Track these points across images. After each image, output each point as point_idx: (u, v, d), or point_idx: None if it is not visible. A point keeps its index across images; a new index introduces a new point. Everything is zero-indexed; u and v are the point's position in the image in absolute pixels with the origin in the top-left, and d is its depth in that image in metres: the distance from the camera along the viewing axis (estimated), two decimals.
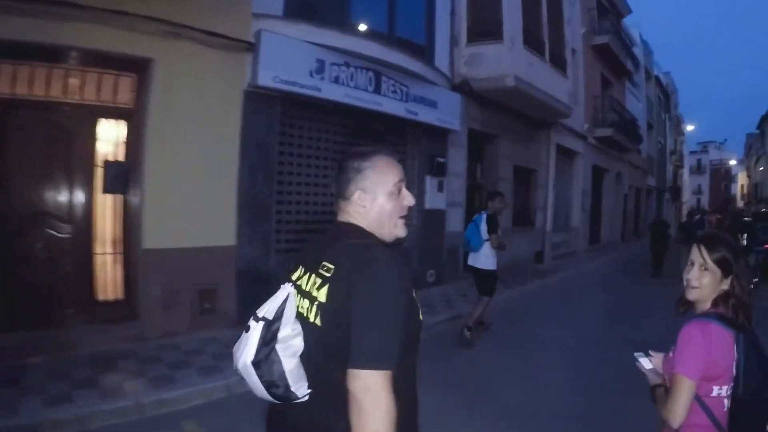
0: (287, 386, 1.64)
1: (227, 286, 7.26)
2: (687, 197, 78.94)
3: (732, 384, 2.08)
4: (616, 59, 23.07)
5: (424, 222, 10.68)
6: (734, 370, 2.07)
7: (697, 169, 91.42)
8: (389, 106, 9.25)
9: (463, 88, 11.51)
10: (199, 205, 6.88)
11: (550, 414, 5.10)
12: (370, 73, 8.89)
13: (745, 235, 15.41)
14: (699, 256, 2.16)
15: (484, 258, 7.48)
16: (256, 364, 1.63)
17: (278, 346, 1.64)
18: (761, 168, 53.69)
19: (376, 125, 9.65)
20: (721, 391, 2.06)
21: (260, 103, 7.57)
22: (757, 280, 13.46)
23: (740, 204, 69.90)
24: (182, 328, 6.76)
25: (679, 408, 2.02)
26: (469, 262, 7.76)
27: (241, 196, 7.37)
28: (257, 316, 1.69)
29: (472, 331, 7.37)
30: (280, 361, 1.64)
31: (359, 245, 1.70)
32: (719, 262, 2.12)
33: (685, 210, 54.34)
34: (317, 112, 8.66)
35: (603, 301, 11.51)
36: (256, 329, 1.65)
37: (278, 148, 8.10)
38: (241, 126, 7.34)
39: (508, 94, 11.97)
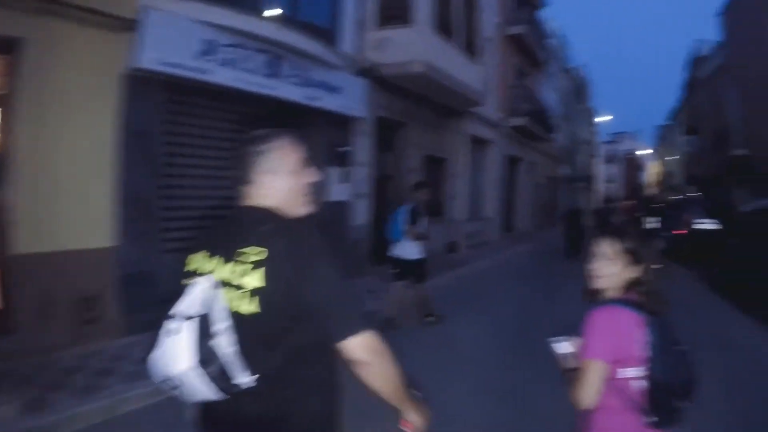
0: (231, 378, 1.63)
1: (111, 292, 6.53)
2: (601, 186, 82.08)
3: (644, 366, 2.10)
4: (530, 50, 23.36)
5: (326, 214, 10.04)
6: (646, 353, 2.09)
7: (610, 159, 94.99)
8: (287, 91, 8.68)
9: (370, 73, 11.06)
10: (76, 203, 6.14)
11: (461, 415, 4.90)
12: (267, 56, 8.26)
13: (655, 219, 16.48)
14: (606, 247, 2.28)
15: (410, 248, 7.66)
16: (202, 362, 1.58)
17: (216, 339, 1.61)
18: (670, 158, 56.99)
19: (274, 112, 8.95)
20: (631, 373, 2.12)
21: (142, 88, 6.72)
22: (662, 266, 14.48)
23: (652, 191, 73.73)
24: (63, 341, 5.98)
25: (588, 390, 2.11)
26: (392, 253, 7.86)
27: (122, 191, 6.56)
28: (181, 315, 1.63)
29: (434, 315, 8.02)
30: (222, 354, 1.61)
31: (288, 225, 1.81)
32: (626, 252, 2.23)
33: (595, 198, 56.36)
34: (209, 98, 7.89)
35: (517, 290, 11.45)
36: (187, 329, 1.60)
37: (164, 137, 7.26)
38: (121, 113, 6.53)
39: (418, 80, 11.67)
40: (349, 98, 10.14)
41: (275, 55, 8.41)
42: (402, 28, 11.26)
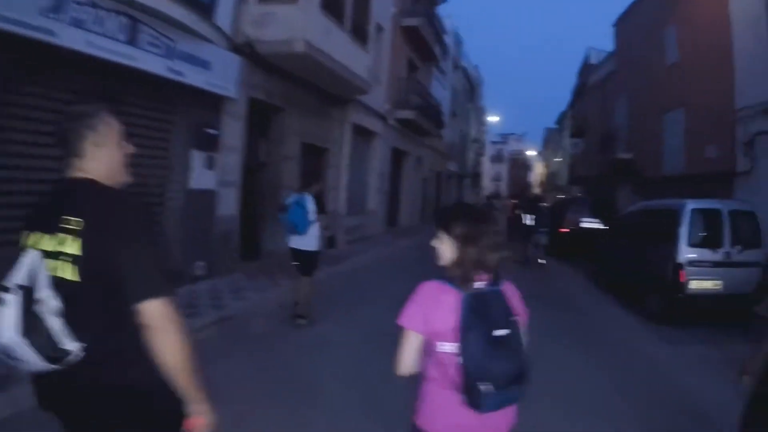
0: (58, 345, 1.69)
1: None
2: (487, 183, 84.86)
3: (457, 343, 2.11)
4: (424, 44, 23.26)
5: (188, 204, 9.19)
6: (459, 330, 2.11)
7: (498, 158, 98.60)
8: (147, 62, 7.58)
9: (245, 50, 10.22)
10: None
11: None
12: (124, 19, 7.16)
13: (530, 217, 16.84)
14: (440, 231, 2.36)
15: (311, 239, 7.56)
16: (26, 332, 1.66)
17: (40, 308, 1.68)
18: (557, 159, 59.37)
19: (132, 84, 7.87)
20: (447, 348, 2.14)
21: None
22: (543, 261, 16.33)
23: (536, 191, 77.16)
24: None
25: (402, 357, 2.24)
26: (293, 245, 7.63)
27: None
28: (6, 288, 1.71)
29: (307, 317, 7.62)
30: (46, 323, 1.68)
31: (105, 195, 1.90)
32: (454, 237, 2.27)
33: (481, 195, 58.08)
34: (53, 63, 6.64)
35: (395, 287, 10.92)
36: (12, 300, 1.68)
37: None
38: None
39: (299, 61, 10.96)
40: (220, 76, 9.20)
41: (135, 20, 7.36)
42: (286, 4, 10.47)
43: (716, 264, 8.91)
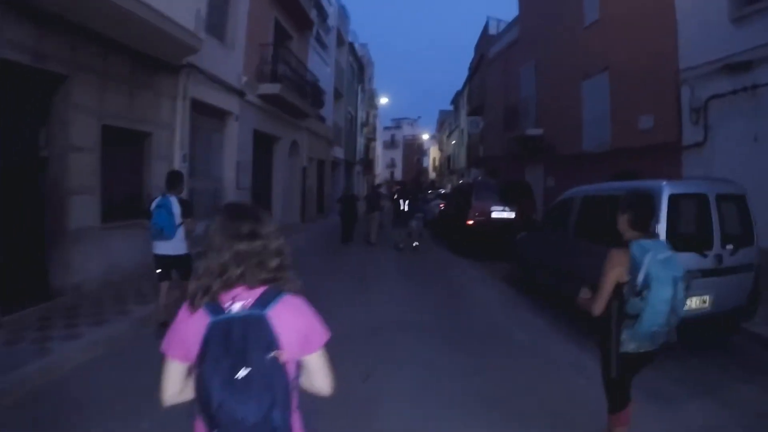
0: None
1: None
2: (380, 170, 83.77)
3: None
4: (297, 5, 19.67)
5: None
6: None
7: (391, 144, 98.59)
8: None
9: None
10: None
11: None
12: None
13: (406, 203, 17.22)
14: None
15: (179, 243, 7.33)
16: None
17: None
18: (453, 141, 58.51)
19: None
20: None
21: None
22: (417, 244, 17.18)
23: (430, 177, 77.72)
24: None
25: (163, 386, 1.95)
26: (160, 251, 7.33)
27: None
28: None
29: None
30: None
31: None
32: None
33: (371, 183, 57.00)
34: None
35: None
36: None
37: None
38: None
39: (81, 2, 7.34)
40: None
41: None
42: None
43: (705, 273, 6.21)
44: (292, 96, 18.34)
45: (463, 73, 52.24)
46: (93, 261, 8.97)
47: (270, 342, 1.76)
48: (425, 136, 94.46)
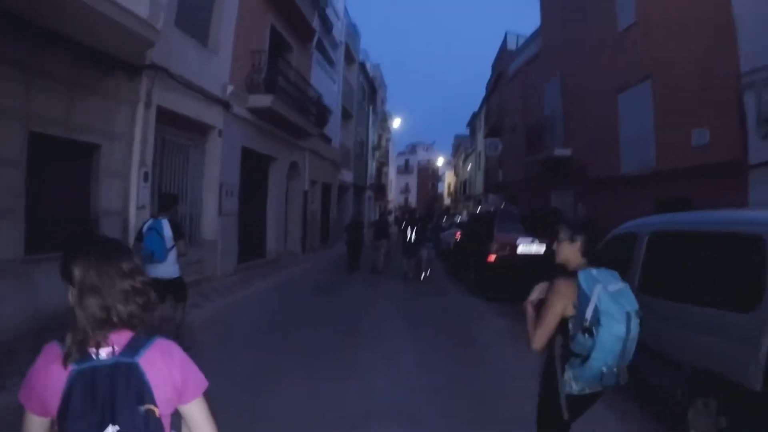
0: None
1: None
2: (394, 195, 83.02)
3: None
4: (296, 10, 18.02)
5: None
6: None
7: (405, 169, 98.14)
8: None
9: None
10: None
11: None
12: None
13: (414, 230, 16.83)
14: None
15: (171, 266, 7.32)
16: None
17: None
18: (470, 165, 57.28)
19: None
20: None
21: None
22: (426, 274, 17.14)
23: (445, 203, 77.32)
24: None
25: None
26: (153, 275, 6.71)
27: None
28: None
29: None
30: None
31: None
32: (74, 285, 1.71)
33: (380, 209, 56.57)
34: None
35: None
36: None
37: None
38: None
39: None
40: None
41: None
42: None
43: None
44: (289, 111, 16.46)
45: (480, 95, 50.68)
46: (8, 304, 7.07)
47: (142, 393, 1.60)
48: (440, 161, 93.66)
